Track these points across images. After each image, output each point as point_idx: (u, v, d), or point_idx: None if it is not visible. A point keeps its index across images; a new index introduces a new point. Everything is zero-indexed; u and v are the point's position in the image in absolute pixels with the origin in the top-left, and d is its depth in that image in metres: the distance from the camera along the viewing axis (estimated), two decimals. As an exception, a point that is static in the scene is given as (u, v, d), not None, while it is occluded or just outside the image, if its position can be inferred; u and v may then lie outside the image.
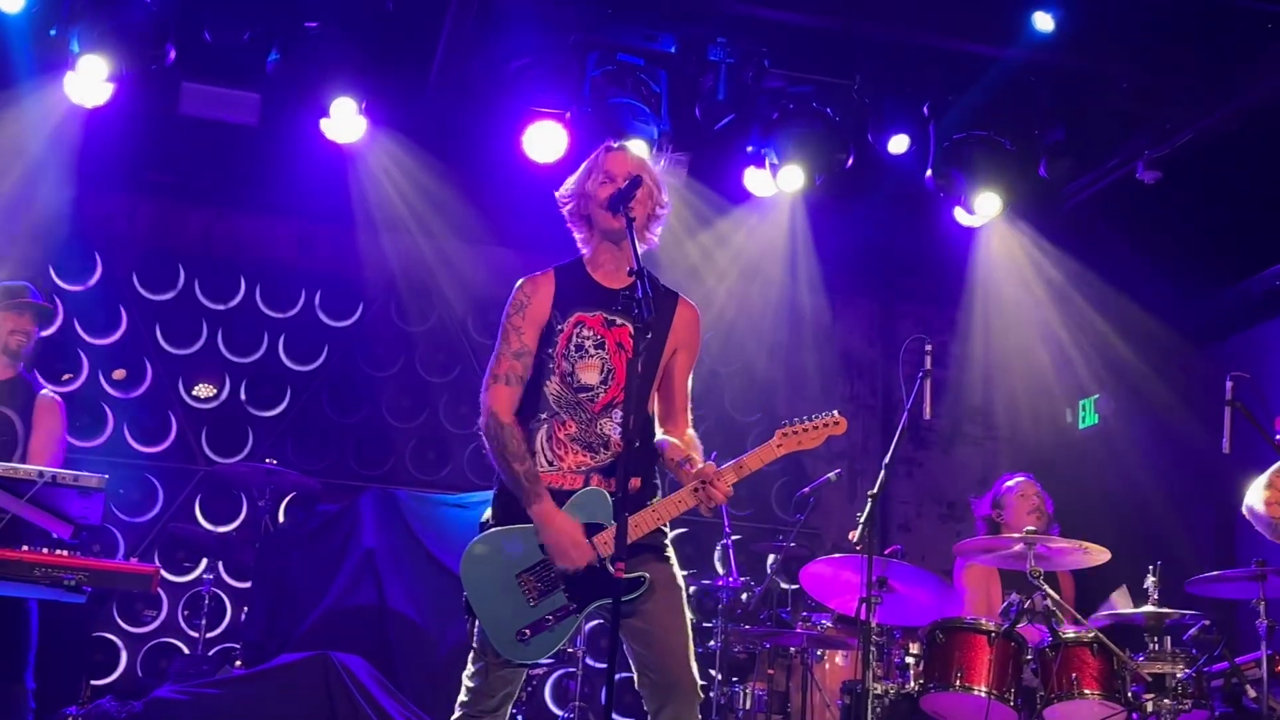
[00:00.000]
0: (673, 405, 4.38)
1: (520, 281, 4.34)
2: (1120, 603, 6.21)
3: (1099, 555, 5.77)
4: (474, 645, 4.20)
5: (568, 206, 4.38)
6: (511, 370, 4.23)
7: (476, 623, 4.16)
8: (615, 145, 4.40)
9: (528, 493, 4.11)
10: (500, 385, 4.22)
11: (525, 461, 4.14)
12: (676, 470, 4.25)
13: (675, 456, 4.26)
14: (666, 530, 4.28)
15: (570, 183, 4.40)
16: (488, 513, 4.27)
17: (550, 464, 4.20)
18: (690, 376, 4.44)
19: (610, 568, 3.97)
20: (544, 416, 4.24)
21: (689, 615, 4.22)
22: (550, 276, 4.33)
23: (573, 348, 4.25)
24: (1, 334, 5.64)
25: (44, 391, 5.82)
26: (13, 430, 5.61)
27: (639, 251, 4.08)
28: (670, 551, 4.27)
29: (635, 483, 4.17)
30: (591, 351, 4.25)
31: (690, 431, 4.38)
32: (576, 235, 4.41)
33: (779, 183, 7.66)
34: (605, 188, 4.26)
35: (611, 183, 4.25)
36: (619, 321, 4.25)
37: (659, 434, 4.36)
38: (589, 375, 4.24)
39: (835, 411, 4.33)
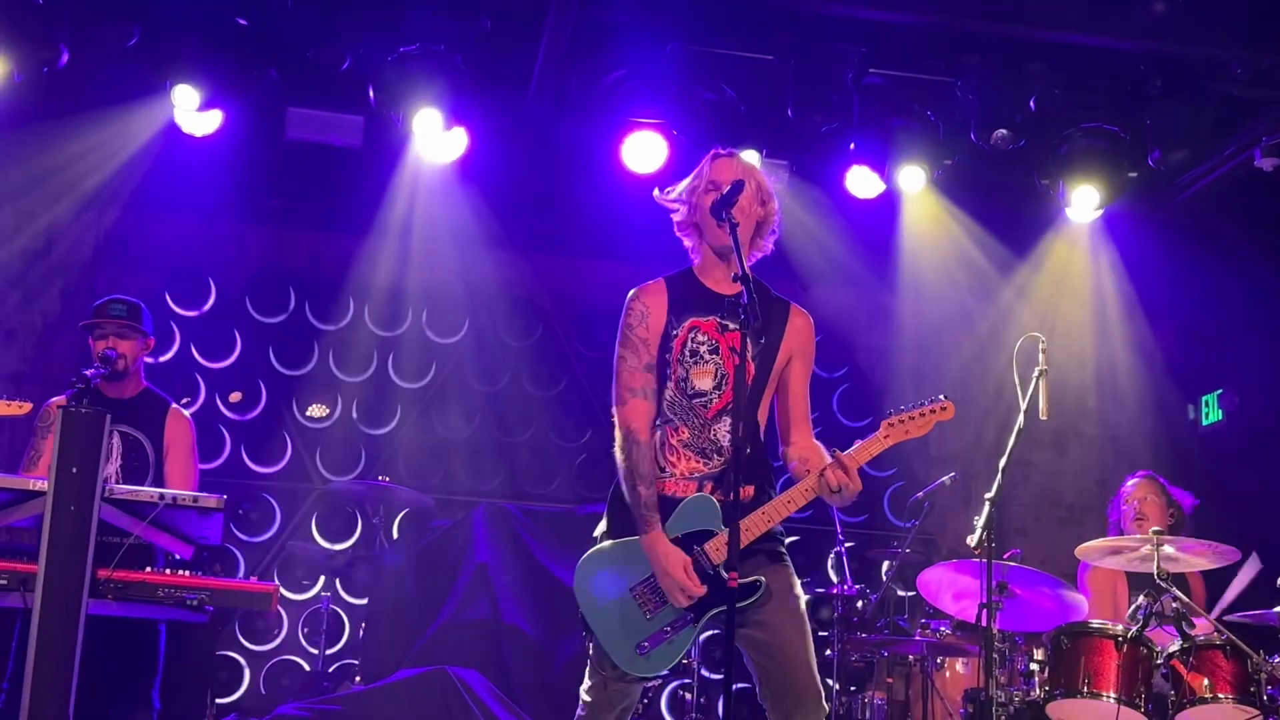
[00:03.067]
0: (791, 415, 4.33)
1: (633, 292, 4.31)
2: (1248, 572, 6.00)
3: (1228, 555, 5.60)
4: (590, 659, 4.18)
5: (677, 215, 4.37)
6: (646, 384, 4.20)
7: (592, 639, 4.14)
8: (722, 152, 4.37)
9: (643, 519, 4.08)
10: (638, 400, 4.19)
11: (650, 488, 4.10)
12: (798, 478, 4.20)
13: (801, 472, 4.21)
14: (781, 534, 4.22)
15: (678, 190, 4.39)
16: (602, 525, 4.25)
17: (663, 470, 4.17)
18: (808, 384, 4.37)
19: (724, 575, 3.94)
20: (658, 423, 4.21)
21: (808, 622, 4.16)
22: (662, 284, 4.32)
23: (688, 353, 4.21)
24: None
25: (174, 406, 5.87)
26: (142, 453, 5.68)
27: (744, 256, 4.03)
28: (786, 556, 4.21)
29: (748, 490, 4.12)
30: (706, 357, 4.21)
31: (814, 438, 4.32)
32: (686, 243, 4.40)
33: (899, 183, 7.60)
34: (709, 195, 4.22)
35: (715, 190, 4.21)
36: (731, 327, 4.20)
37: (784, 447, 4.32)
38: (703, 381, 4.21)
39: (942, 396, 4.24)
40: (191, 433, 5.82)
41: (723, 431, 4.17)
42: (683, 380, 4.20)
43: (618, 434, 4.18)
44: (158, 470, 5.67)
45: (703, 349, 4.22)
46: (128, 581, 4.84)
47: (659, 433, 4.20)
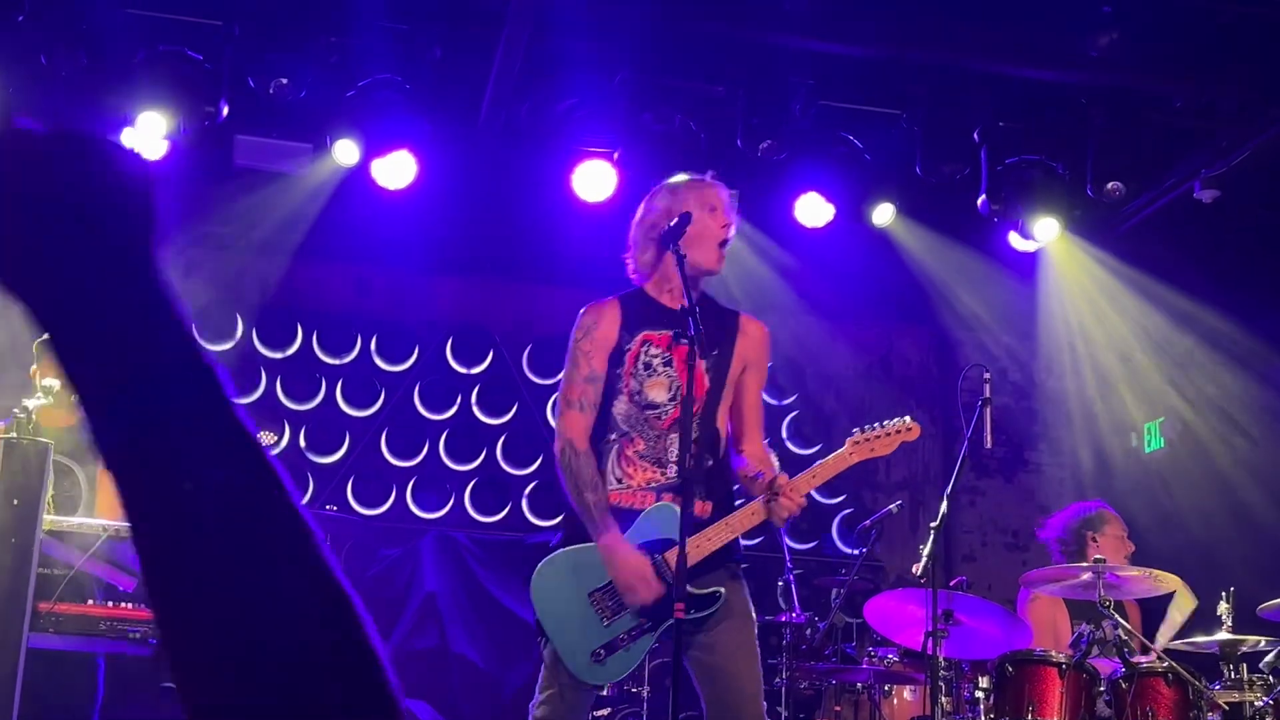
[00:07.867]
0: (744, 423, 4.34)
1: (584, 308, 4.32)
2: (1179, 609, 6.02)
3: (1168, 583, 5.66)
4: (544, 669, 4.12)
5: (660, 224, 4.23)
6: (584, 396, 4.20)
7: (548, 646, 4.10)
8: (715, 181, 4.36)
9: (596, 523, 4.08)
10: (575, 411, 4.19)
11: (597, 491, 4.10)
12: (750, 485, 4.21)
13: (748, 472, 4.22)
14: (740, 549, 4.24)
15: (662, 202, 4.30)
16: (558, 536, 4.25)
17: (619, 482, 4.17)
18: (761, 393, 4.40)
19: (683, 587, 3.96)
20: (613, 437, 4.22)
21: (758, 652, 4.16)
22: (614, 301, 4.32)
23: (640, 366, 4.23)
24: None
25: None
26: (75, 482, 5.65)
27: (689, 286, 4.07)
28: (742, 577, 4.22)
29: (706, 506, 4.13)
30: (659, 369, 4.23)
31: (764, 445, 4.34)
32: (642, 256, 4.32)
33: (874, 219, 7.69)
34: (725, 228, 4.24)
35: (724, 222, 4.24)
36: (685, 341, 4.24)
37: (734, 453, 4.33)
38: (657, 393, 4.21)
39: (908, 417, 4.27)
40: None
41: (679, 442, 4.18)
42: (636, 393, 4.21)
43: (556, 445, 4.20)
44: (89, 501, 5.64)
45: (656, 361, 4.23)
46: (69, 615, 4.79)
47: (615, 445, 4.20)
